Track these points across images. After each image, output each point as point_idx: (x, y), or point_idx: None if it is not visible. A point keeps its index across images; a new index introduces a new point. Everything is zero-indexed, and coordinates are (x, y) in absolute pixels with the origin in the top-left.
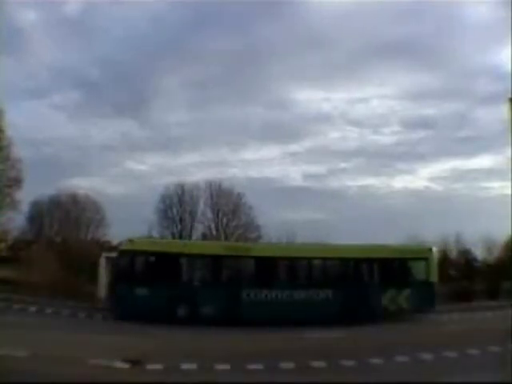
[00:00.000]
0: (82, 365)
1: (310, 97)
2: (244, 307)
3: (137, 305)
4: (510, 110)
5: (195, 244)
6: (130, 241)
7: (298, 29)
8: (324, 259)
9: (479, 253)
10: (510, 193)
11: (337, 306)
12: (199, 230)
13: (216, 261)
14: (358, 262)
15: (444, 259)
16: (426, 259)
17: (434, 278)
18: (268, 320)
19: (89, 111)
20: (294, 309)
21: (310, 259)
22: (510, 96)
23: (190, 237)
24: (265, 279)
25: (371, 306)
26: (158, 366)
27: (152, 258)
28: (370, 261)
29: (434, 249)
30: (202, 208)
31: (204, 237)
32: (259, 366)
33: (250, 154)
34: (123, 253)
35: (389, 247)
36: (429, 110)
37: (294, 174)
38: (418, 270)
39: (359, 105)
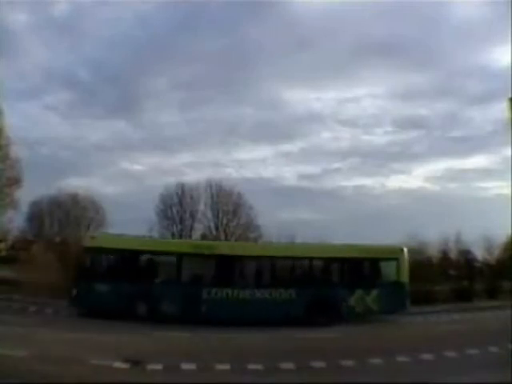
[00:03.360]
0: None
1: (300, 97)
2: (204, 305)
3: (97, 301)
4: (510, 110)
5: (157, 241)
6: (92, 238)
7: (287, 29)
8: (288, 258)
9: (479, 253)
10: (507, 192)
11: (301, 307)
12: (199, 230)
13: (177, 258)
14: (324, 261)
15: (444, 259)
16: (396, 259)
17: (405, 278)
18: (229, 319)
19: (81, 112)
20: (256, 308)
21: (273, 258)
22: (509, 96)
23: (190, 237)
24: (226, 278)
25: (337, 307)
26: (158, 366)
27: (113, 255)
28: (336, 260)
29: (405, 249)
30: (202, 208)
31: (204, 237)
32: (258, 367)
33: (243, 154)
34: (86, 250)
35: (357, 247)
36: (421, 110)
37: (289, 174)
38: (389, 271)
39: (350, 104)
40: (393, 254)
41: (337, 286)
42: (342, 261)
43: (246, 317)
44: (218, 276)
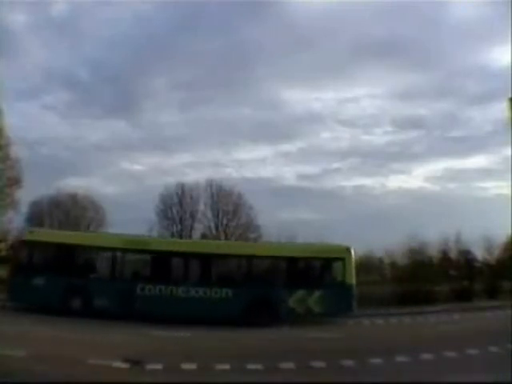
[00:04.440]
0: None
1: (300, 97)
2: (138, 301)
3: (32, 296)
4: (510, 110)
5: (92, 236)
6: (30, 232)
7: (286, 29)
8: (226, 256)
9: (479, 253)
10: (506, 192)
11: (237, 306)
12: (199, 230)
13: (112, 253)
14: (263, 260)
15: (444, 259)
16: (342, 259)
17: (352, 279)
18: (162, 316)
19: (81, 112)
20: (190, 306)
21: (209, 256)
22: (509, 96)
23: (190, 237)
24: (161, 274)
25: (276, 308)
26: (158, 366)
27: (50, 249)
28: (277, 259)
29: (352, 249)
30: (202, 208)
31: (204, 237)
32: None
33: (243, 154)
34: (23, 243)
35: (300, 245)
36: (420, 110)
37: (288, 174)
38: (334, 271)
39: (350, 105)
40: (338, 254)
41: (276, 285)
42: (283, 260)
43: (179, 314)
44: (152, 272)
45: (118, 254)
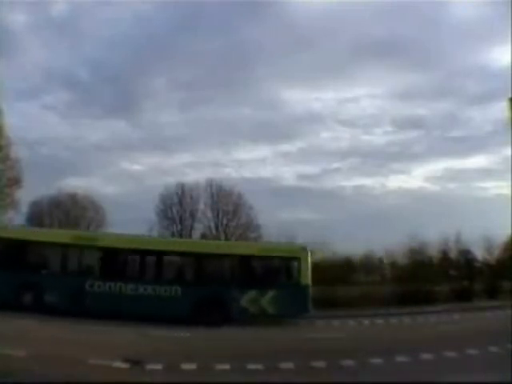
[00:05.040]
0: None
1: (300, 97)
2: (87, 298)
3: None
4: (510, 110)
5: (43, 232)
6: None
7: (286, 29)
8: (177, 254)
9: (479, 253)
10: (506, 192)
11: (187, 305)
12: (199, 229)
13: (62, 249)
14: (215, 258)
15: (444, 259)
16: (297, 259)
17: (307, 280)
18: (111, 313)
19: (81, 112)
20: (139, 303)
21: (159, 253)
22: (509, 96)
23: (190, 236)
24: (110, 271)
25: (227, 307)
26: (158, 366)
27: (2, 245)
28: (230, 258)
29: (309, 248)
30: (202, 208)
31: (204, 236)
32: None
33: (242, 154)
34: None
35: (254, 244)
36: (420, 110)
37: (288, 174)
38: (289, 271)
39: (350, 105)
40: (293, 254)
41: (228, 285)
42: (236, 259)
43: (128, 311)
44: (102, 269)
45: (68, 249)
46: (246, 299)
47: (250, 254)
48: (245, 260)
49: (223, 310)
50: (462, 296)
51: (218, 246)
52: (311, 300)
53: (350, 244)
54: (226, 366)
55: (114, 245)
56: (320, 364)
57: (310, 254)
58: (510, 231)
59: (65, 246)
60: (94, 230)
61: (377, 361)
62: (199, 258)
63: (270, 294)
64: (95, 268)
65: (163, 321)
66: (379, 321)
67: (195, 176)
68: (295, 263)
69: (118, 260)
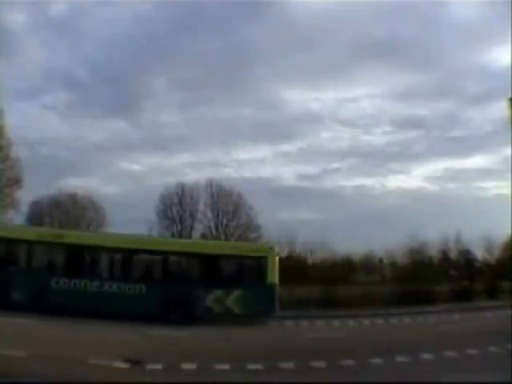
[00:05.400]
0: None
1: (299, 97)
2: (53, 295)
3: None
4: (510, 110)
5: (10, 229)
6: None
7: (286, 29)
8: (143, 252)
9: (479, 253)
10: (506, 192)
11: (153, 303)
12: (199, 229)
13: (29, 246)
14: (181, 257)
15: (444, 259)
16: (264, 258)
17: (274, 279)
18: (77, 310)
19: (80, 112)
20: (104, 301)
21: (125, 250)
22: (509, 96)
23: (190, 236)
24: (75, 268)
25: (192, 306)
26: (158, 366)
27: None
28: (195, 257)
29: (277, 248)
30: (202, 208)
31: (204, 237)
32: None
33: (242, 154)
34: None
35: (220, 243)
36: (419, 110)
37: (288, 175)
38: (256, 271)
39: (349, 104)
40: (260, 253)
41: (193, 283)
42: (201, 257)
43: (93, 309)
44: (67, 266)
45: (35, 247)
46: (211, 298)
47: (216, 253)
48: (211, 259)
49: (188, 309)
50: (462, 296)
51: (183, 244)
52: (278, 300)
53: (350, 244)
54: (226, 366)
55: (80, 242)
56: (320, 364)
57: (276, 252)
58: (510, 231)
59: (31, 243)
60: (94, 230)
61: (377, 361)
62: (165, 257)
63: (236, 293)
64: (60, 265)
65: (129, 319)
66: (379, 321)
67: (195, 176)
68: (262, 262)
69: (83, 257)
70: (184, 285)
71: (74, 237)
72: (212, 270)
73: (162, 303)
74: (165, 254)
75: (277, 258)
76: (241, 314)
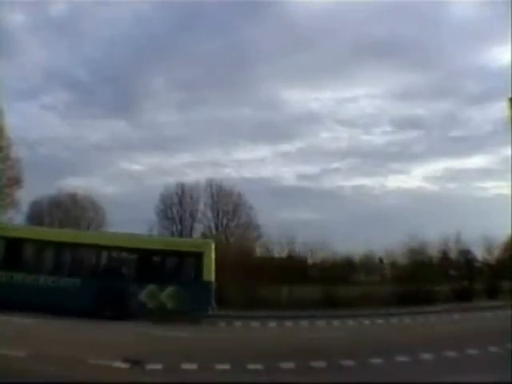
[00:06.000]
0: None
1: (299, 97)
2: None
3: None
4: (510, 110)
5: None
6: None
7: (286, 29)
8: (77, 246)
9: (479, 253)
10: (506, 192)
11: (87, 298)
12: (199, 229)
13: None
14: (116, 251)
15: (444, 259)
16: (200, 255)
17: (210, 276)
18: (13, 303)
19: (80, 112)
20: (40, 294)
21: (60, 244)
22: (509, 96)
23: (190, 236)
24: (12, 261)
25: (125, 301)
26: (158, 366)
27: None
28: (130, 251)
29: (213, 244)
30: (202, 208)
31: (204, 236)
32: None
33: (242, 154)
34: None
35: (155, 239)
36: (419, 110)
37: (288, 175)
38: (191, 267)
39: (349, 104)
40: (196, 249)
41: (127, 278)
42: (136, 252)
43: (29, 302)
44: (4, 259)
45: None
46: (145, 294)
47: (151, 248)
48: (145, 254)
49: (122, 304)
50: (462, 296)
51: (118, 239)
52: (214, 297)
53: (350, 244)
54: (226, 366)
55: (16, 235)
56: (320, 364)
57: (213, 249)
58: (510, 231)
59: None
60: (94, 230)
61: (377, 361)
62: (99, 251)
63: (170, 289)
64: None
65: (64, 313)
66: (379, 321)
67: (195, 176)
68: (198, 259)
69: (21, 251)
70: (118, 279)
71: (10, 230)
72: (146, 265)
73: (96, 298)
74: (99, 248)
75: (213, 254)
76: (174, 310)
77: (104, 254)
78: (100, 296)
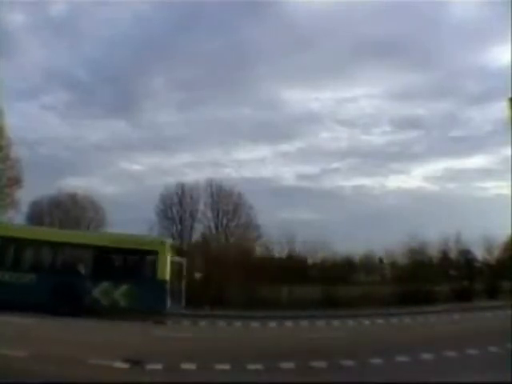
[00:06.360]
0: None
1: (299, 97)
2: None
3: None
4: (510, 110)
5: None
6: None
7: (285, 29)
8: (33, 241)
9: (479, 253)
10: (506, 192)
11: (42, 293)
12: (199, 229)
13: None
14: (70, 247)
15: (444, 259)
16: (155, 253)
17: (164, 275)
18: None
19: (80, 112)
20: None
21: (15, 240)
22: (509, 96)
23: (190, 236)
24: None
25: (80, 298)
26: (158, 366)
27: None
28: (84, 248)
29: (169, 242)
30: (202, 208)
31: (204, 236)
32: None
33: (242, 154)
34: None
35: (110, 236)
36: (419, 110)
37: (288, 175)
38: (146, 265)
39: (349, 104)
40: (151, 247)
41: (82, 275)
42: (90, 249)
43: None
44: None
45: None
46: (99, 291)
47: (106, 245)
48: (100, 251)
49: (76, 301)
50: (462, 296)
51: (73, 235)
52: (169, 295)
53: (350, 244)
54: (226, 366)
55: None
56: (320, 364)
57: (168, 247)
58: (510, 231)
59: None
60: (94, 230)
61: (377, 361)
62: (55, 247)
63: (124, 286)
64: None
65: (21, 309)
66: (379, 321)
67: (195, 176)
68: (153, 257)
69: None
70: (72, 276)
71: None
72: (101, 262)
73: (51, 294)
74: (54, 244)
75: (168, 252)
76: (127, 307)
77: (61, 251)
78: (56, 292)
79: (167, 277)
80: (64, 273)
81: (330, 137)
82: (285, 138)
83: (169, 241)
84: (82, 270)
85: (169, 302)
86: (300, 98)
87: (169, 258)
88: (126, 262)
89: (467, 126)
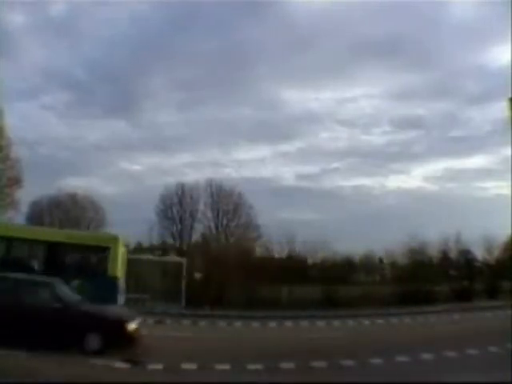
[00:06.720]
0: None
1: (299, 97)
2: None
3: None
4: (510, 110)
5: None
6: None
7: (285, 29)
8: None
9: (479, 253)
10: (506, 192)
11: None
12: (199, 229)
13: None
14: (20, 243)
15: (444, 259)
16: (107, 249)
17: (116, 272)
18: None
19: (80, 112)
20: None
21: None
22: (509, 96)
23: (190, 236)
24: None
25: None
26: (158, 366)
27: None
28: (34, 243)
29: (121, 238)
30: (202, 208)
31: (204, 236)
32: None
33: (242, 154)
34: None
35: (62, 232)
36: (419, 110)
37: (288, 175)
38: (97, 261)
39: (349, 104)
40: (102, 243)
41: (35, 271)
42: (42, 245)
43: None
44: None
45: None
46: None
47: (59, 241)
48: (52, 247)
49: None
50: (462, 296)
51: (23, 230)
52: (121, 293)
53: (350, 244)
54: (226, 366)
55: None
56: (320, 364)
57: (121, 244)
58: (510, 231)
59: None
60: (94, 230)
61: (377, 361)
62: (7, 242)
63: (75, 283)
64: None
65: None
66: (379, 321)
67: (195, 176)
68: (104, 253)
69: None
70: (25, 271)
71: None
72: (53, 257)
73: None
74: (7, 239)
75: (120, 249)
76: None
77: (12, 246)
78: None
79: (119, 273)
80: (17, 268)
81: (329, 137)
82: (285, 138)
83: (122, 237)
84: (35, 265)
85: (121, 299)
86: (300, 98)
87: (121, 255)
88: (79, 258)
89: (467, 126)
